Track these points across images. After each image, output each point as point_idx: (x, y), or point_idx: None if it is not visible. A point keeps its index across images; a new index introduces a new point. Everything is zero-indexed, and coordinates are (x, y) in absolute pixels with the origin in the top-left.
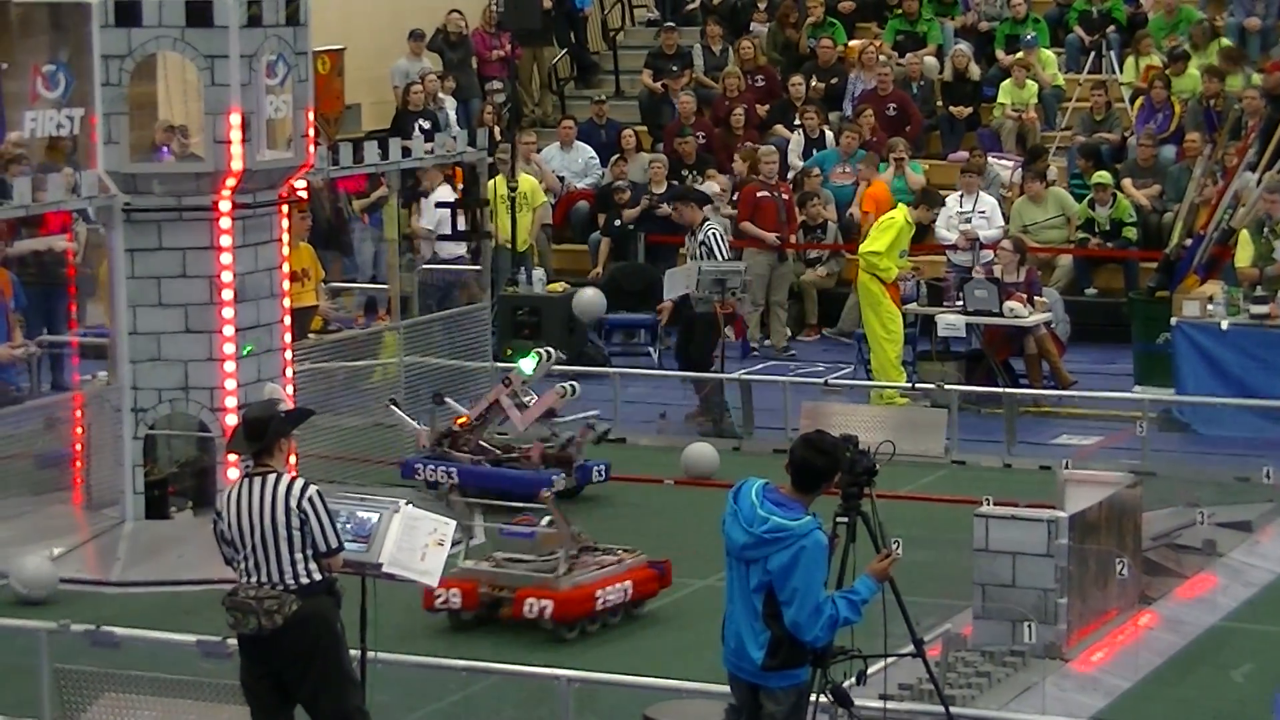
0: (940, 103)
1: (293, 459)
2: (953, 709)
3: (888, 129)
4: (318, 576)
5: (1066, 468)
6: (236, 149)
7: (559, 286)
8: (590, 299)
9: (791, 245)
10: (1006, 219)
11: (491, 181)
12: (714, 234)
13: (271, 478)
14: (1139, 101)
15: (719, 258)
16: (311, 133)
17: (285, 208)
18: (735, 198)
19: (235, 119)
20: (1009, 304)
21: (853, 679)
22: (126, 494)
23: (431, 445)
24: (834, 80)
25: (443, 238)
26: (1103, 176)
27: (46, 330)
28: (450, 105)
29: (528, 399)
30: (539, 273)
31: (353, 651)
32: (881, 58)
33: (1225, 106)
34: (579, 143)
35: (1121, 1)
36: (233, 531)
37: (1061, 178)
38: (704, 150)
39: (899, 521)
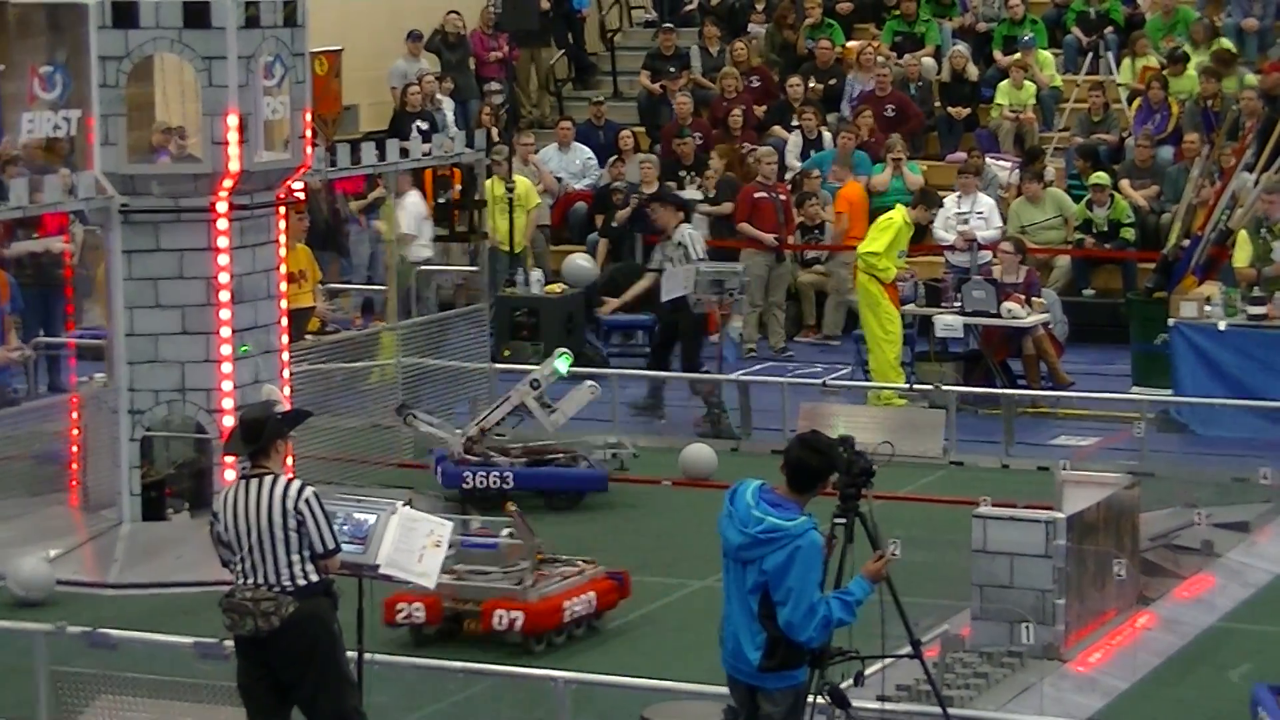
0: (938, 103)
1: (290, 460)
2: (950, 710)
3: (886, 130)
4: (315, 578)
5: (1064, 468)
6: (234, 150)
7: (557, 288)
8: (580, 264)
9: (789, 246)
10: (1004, 220)
11: (488, 182)
12: (691, 236)
13: (268, 479)
14: (1136, 102)
15: (694, 260)
16: (309, 134)
17: (283, 209)
18: (714, 194)
19: (233, 120)
20: (1007, 305)
21: (850, 680)
22: (123, 495)
23: (465, 451)
24: (832, 81)
25: (439, 239)
26: (1100, 177)
27: (44, 332)
28: (448, 106)
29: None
30: (537, 274)
31: (350, 653)
32: (879, 59)
33: (1223, 107)
34: (577, 144)
35: (1119, 2)
36: (230, 533)
37: (1059, 178)
38: (702, 151)
39: (897, 522)
